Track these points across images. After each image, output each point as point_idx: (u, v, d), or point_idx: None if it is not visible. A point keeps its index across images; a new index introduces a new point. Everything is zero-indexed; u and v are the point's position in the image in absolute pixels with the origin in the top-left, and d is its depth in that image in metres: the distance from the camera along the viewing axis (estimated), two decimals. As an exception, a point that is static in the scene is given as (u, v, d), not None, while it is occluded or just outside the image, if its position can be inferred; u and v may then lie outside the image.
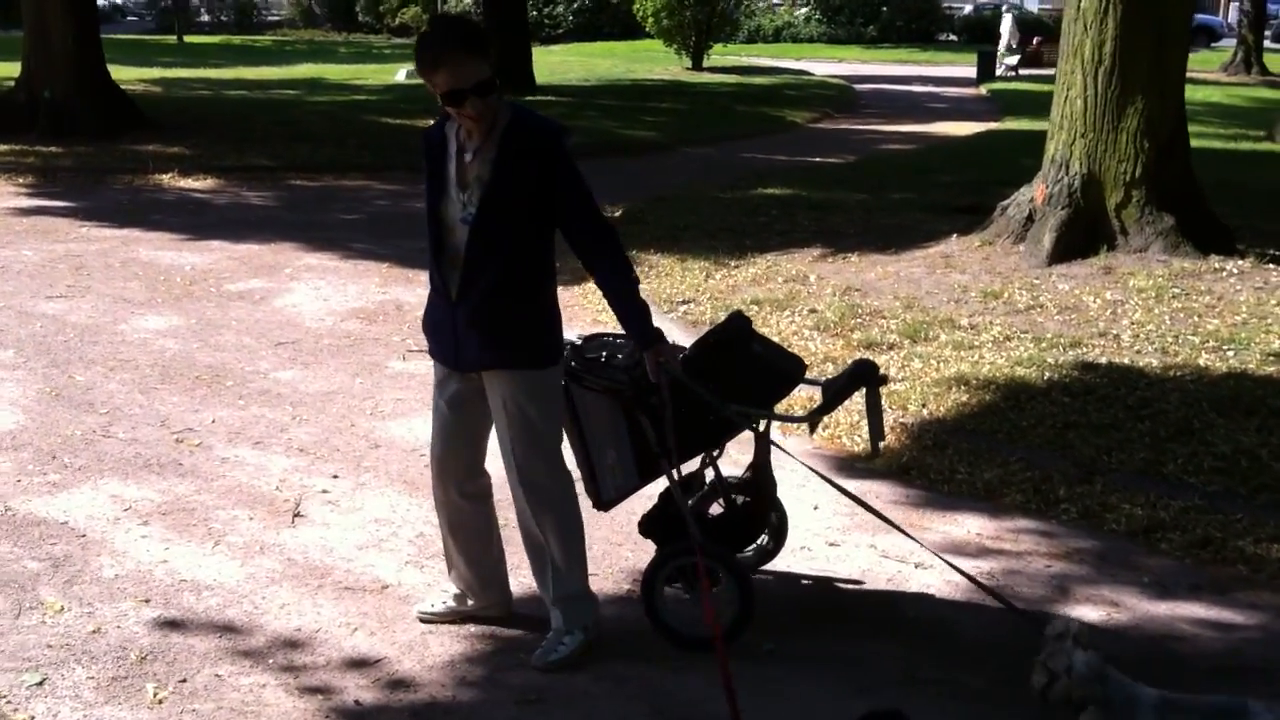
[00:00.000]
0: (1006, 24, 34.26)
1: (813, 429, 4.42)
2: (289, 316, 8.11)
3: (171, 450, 5.72)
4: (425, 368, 4.55)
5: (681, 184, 13.81)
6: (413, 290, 8.66)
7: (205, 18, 52.93)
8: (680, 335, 7.40)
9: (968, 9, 45.33)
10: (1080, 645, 3.20)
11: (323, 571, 4.59)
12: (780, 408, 4.38)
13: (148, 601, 4.32)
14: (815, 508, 5.27)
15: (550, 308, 3.89)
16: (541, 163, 3.73)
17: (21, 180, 12.95)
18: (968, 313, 7.79)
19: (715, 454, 4.32)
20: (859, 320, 7.69)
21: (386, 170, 14.42)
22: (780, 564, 4.69)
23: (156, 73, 26.51)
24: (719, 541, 4.15)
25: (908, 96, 27.46)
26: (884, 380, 4.18)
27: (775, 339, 5.90)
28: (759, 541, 4.58)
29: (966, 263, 8.96)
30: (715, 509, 4.41)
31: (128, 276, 8.96)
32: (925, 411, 6.19)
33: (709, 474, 4.36)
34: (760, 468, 4.25)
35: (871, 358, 4.61)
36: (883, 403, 4.30)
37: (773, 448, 4.23)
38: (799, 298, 8.27)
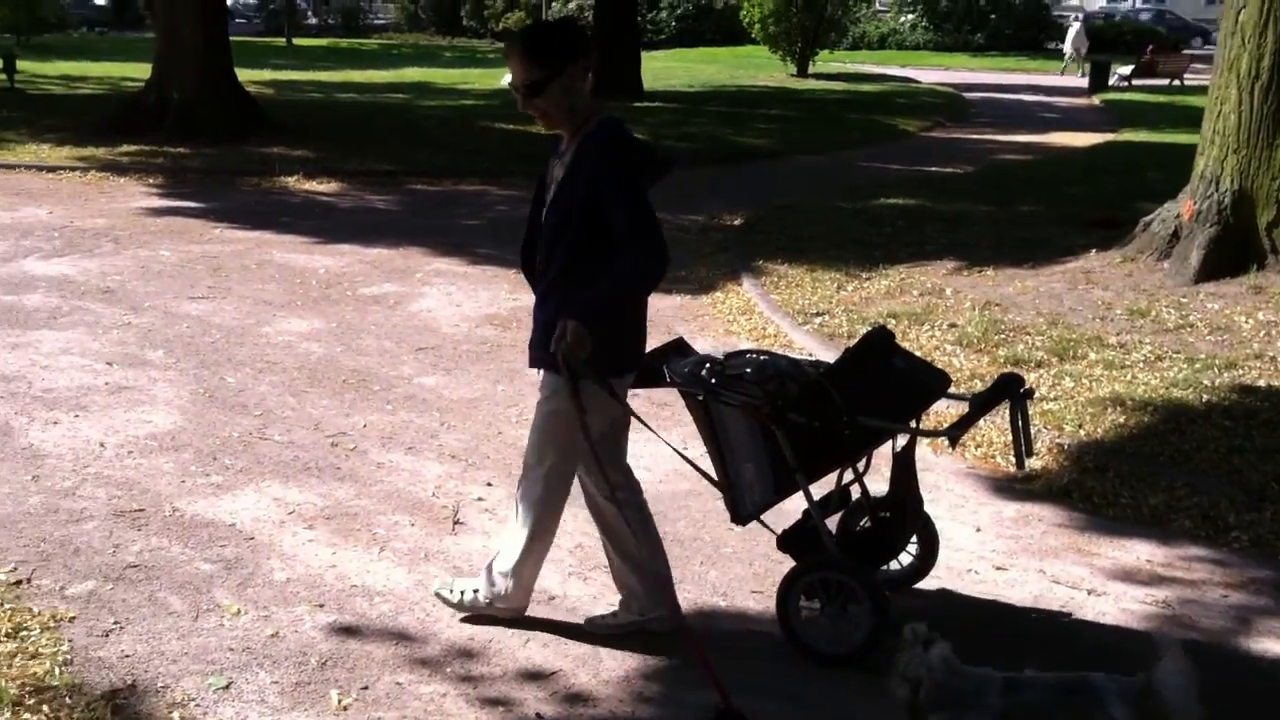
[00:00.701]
0: (1074, 32, 34.17)
1: (953, 442, 4.31)
2: (425, 321, 8.17)
3: (328, 454, 5.77)
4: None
5: (799, 193, 13.73)
6: (545, 297, 8.68)
7: (312, 20, 53.90)
8: (818, 349, 7.34)
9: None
10: (929, 646, 3.24)
11: (488, 581, 4.58)
12: (930, 424, 4.30)
13: (321, 606, 4.35)
14: (977, 529, 5.17)
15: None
16: (593, 172, 3.73)
17: (152, 180, 13.25)
18: (1115, 331, 7.61)
19: (862, 470, 4.30)
20: (1002, 336, 7.55)
21: (503, 175, 14.51)
22: (949, 586, 4.61)
23: (268, 75, 27.03)
24: (857, 557, 4.14)
25: (1019, 106, 27.09)
26: (1029, 395, 4.08)
27: (917, 354, 5.79)
28: (905, 558, 4.53)
29: (1108, 279, 8.76)
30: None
31: (264, 279, 9.10)
32: (1082, 433, 6.05)
33: (855, 490, 4.34)
34: (899, 483, 4.21)
35: (1019, 374, 4.53)
36: (1031, 419, 4.18)
37: (908, 465, 4.19)
38: (936, 312, 8.15)
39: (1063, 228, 11.01)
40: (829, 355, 6.57)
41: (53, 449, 5.67)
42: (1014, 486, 5.63)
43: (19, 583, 4.41)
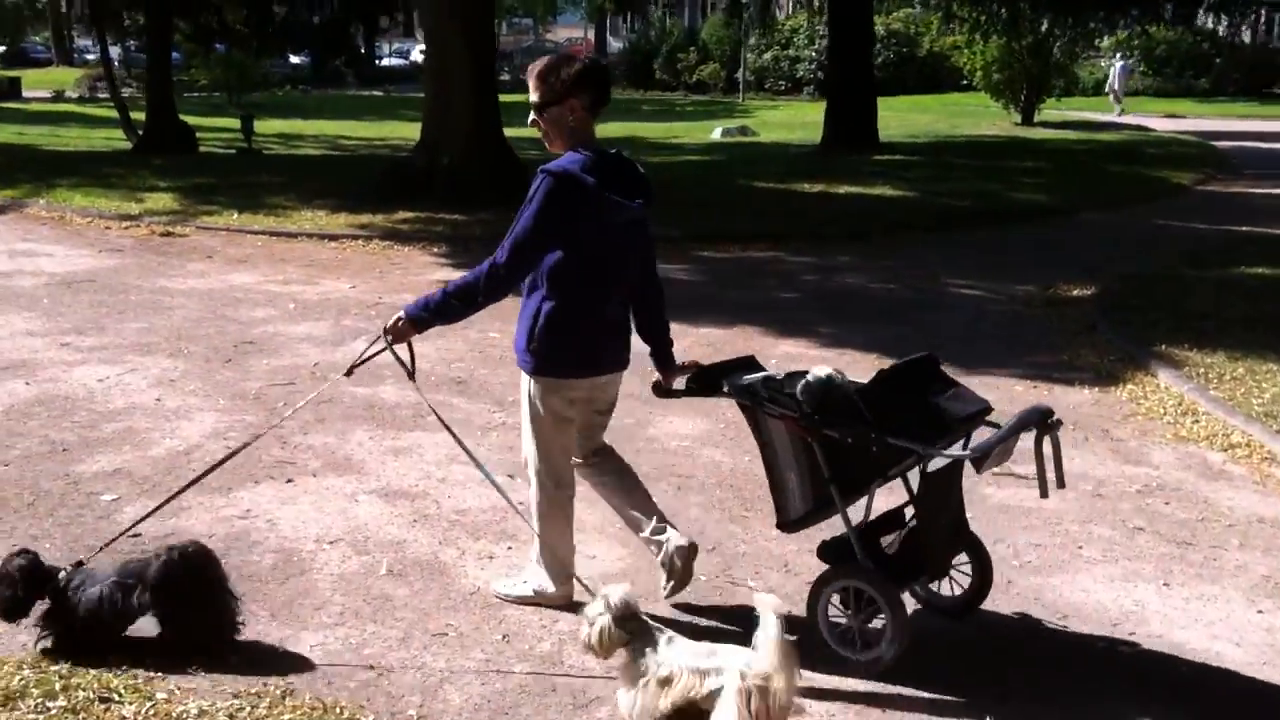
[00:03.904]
0: (1115, 70, 33.66)
1: (978, 467, 4.09)
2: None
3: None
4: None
5: (1115, 256, 12.62)
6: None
7: (505, 76, 54.23)
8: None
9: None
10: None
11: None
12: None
13: None
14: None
15: (548, 318, 4.21)
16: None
17: (436, 249, 12.67)
18: None
19: (918, 491, 4.36)
20: None
21: (789, 239, 13.62)
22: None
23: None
24: (888, 571, 4.25)
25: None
26: (1058, 425, 4.17)
27: None
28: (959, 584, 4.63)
29: None
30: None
31: (611, 365, 8.24)
32: None
33: (909, 512, 4.54)
34: (923, 502, 4.32)
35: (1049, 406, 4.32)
36: (1060, 450, 4.20)
37: (952, 487, 4.41)
38: None
39: None
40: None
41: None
42: None
43: None
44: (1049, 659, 4.47)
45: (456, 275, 4.64)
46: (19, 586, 4.08)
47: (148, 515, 4.81)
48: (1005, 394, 7.79)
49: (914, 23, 41.81)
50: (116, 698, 3.83)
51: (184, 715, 3.78)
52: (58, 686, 3.86)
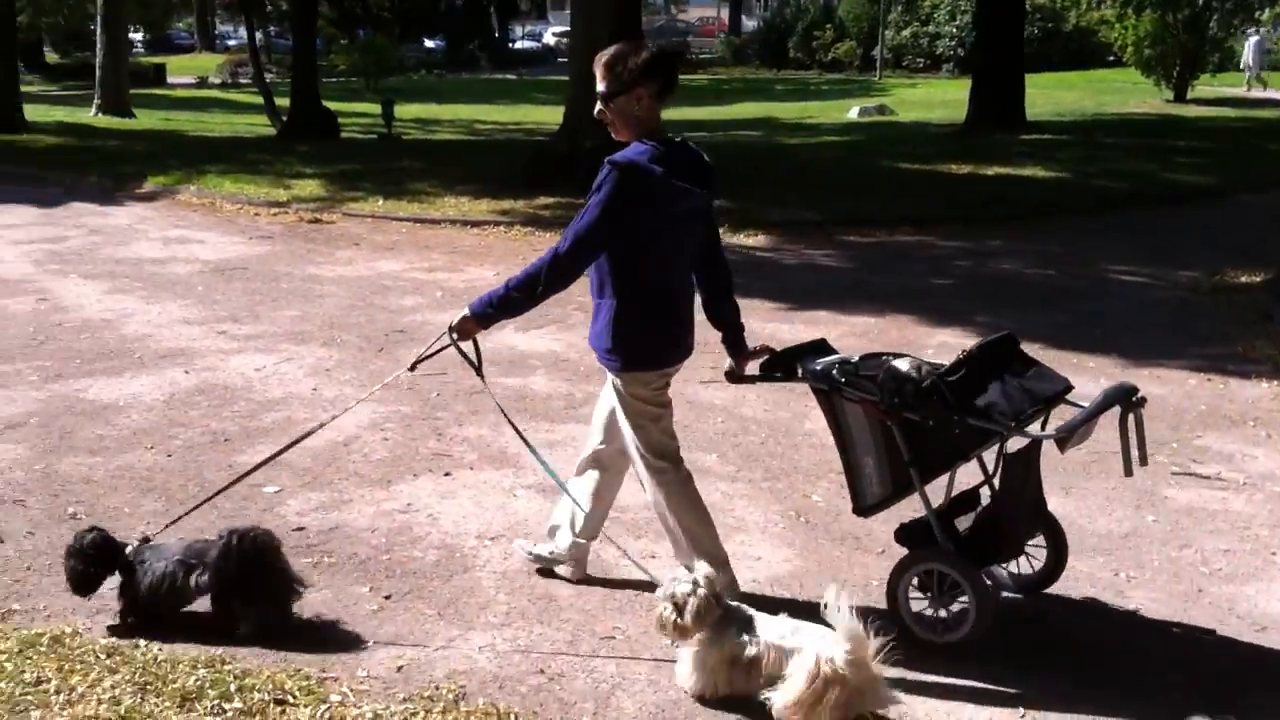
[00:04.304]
0: (1250, 45, 31.89)
1: (1061, 447, 4.04)
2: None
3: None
4: None
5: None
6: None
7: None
8: None
9: None
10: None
11: None
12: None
13: None
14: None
15: (621, 318, 4.18)
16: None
17: (579, 236, 12.60)
18: None
19: (992, 472, 4.41)
20: None
21: (938, 223, 13.28)
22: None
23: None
24: (970, 554, 4.21)
25: None
26: (1142, 402, 4.13)
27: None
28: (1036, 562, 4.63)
29: None
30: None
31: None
32: None
33: (984, 492, 4.54)
34: (1004, 481, 4.30)
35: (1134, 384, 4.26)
36: (1144, 428, 4.12)
37: (1029, 467, 4.34)
38: None
39: None
40: None
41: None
42: None
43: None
44: (1246, 672, 4.21)
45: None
46: (90, 562, 4.23)
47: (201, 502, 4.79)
48: (1178, 387, 7.45)
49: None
50: (291, 700, 3.80)
51: (359, 719, 3.74)
52: (233, 688, 3.85)
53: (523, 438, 4.65)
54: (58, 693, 3.81)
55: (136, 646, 4.15)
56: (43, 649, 4.10)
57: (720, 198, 4.38)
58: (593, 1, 15.16)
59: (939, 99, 31.50)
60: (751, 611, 3.83)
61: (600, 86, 4.14)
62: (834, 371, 4.20)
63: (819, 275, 10.97)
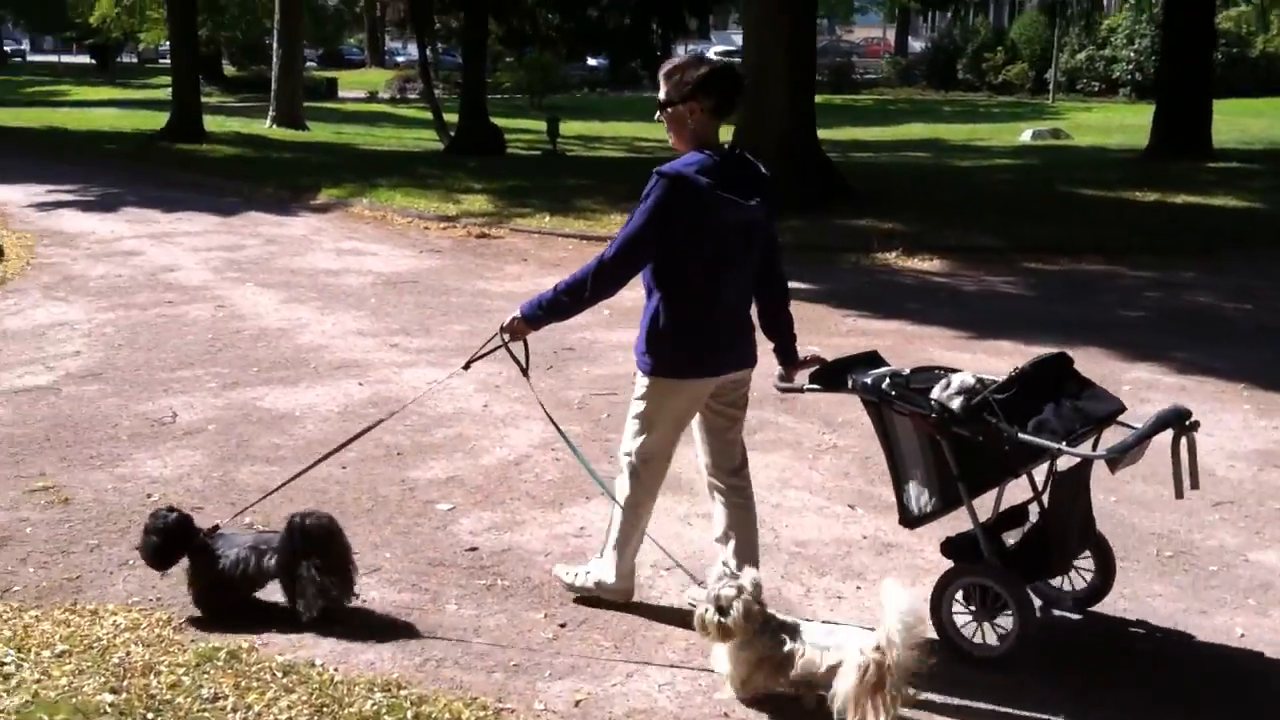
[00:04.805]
0: None
1: (1113, 467, 3.99)
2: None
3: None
4: None
5: None
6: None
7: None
8: None
9: None
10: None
11: None
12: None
13: None
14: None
15: (660, 324, 4.18)
16: None
17: (747, 256, 12.38)
18: None
19: (1042, 488, 4.39)
20: None
21: (1126, 253, 12.67)
22: None
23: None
24: (1013, 568, 4.22)
25: None
26: (1195, 426, 4.11)
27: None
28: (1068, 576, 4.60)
29: None
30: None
31: (944, 385, 7.72)
32: None
33: (1033, 509, 4.49)
34: (1054, 498, 4.26)
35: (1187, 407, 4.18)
36: (1196, 450, 4.11)
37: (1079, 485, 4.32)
38: None
39: None
40: None
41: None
42: None
43: None
44: None
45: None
46: (168, 537, 4.41)
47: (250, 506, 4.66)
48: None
49: (1246, 22, 38.94)
50: (469, 728, 3.66)
51: (540, 754, 3.57)
52: (410, 715, 3.72)
53: (568, 442, 4.83)
54: (234, 710, 3.74)
55: (312, 665, 4.07)
56: (220, 663, 4.04)
57: (776, 211, 4.37)
58: (766, 22, 14.96)
59: (1116, 123, 30.46)
60: (787, 616, 3.89)
61: (660, 94, 4.21)
62: (884, 384, 4.21)
63: (1001, 303, 10.54)
